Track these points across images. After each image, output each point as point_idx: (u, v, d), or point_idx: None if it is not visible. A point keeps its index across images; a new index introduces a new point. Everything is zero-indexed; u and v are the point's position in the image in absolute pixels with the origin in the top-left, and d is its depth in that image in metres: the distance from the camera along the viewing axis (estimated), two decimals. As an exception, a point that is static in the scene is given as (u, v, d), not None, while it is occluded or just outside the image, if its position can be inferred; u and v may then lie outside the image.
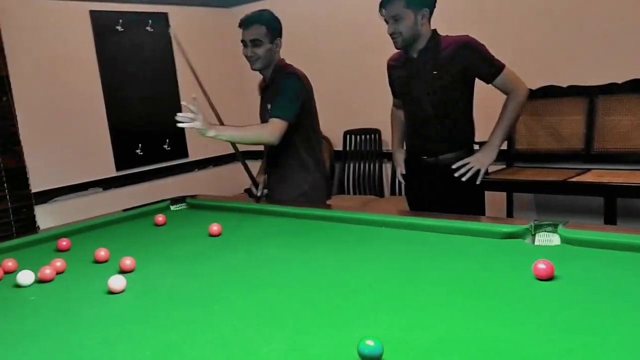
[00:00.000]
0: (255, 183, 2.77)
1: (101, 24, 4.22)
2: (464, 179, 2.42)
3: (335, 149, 4.60)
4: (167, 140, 4.70)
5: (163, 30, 4.61)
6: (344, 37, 4.46)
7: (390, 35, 2.39)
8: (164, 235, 2.15)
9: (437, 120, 2.45)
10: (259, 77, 2.68)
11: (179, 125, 2.17)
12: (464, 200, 2.45)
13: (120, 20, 4.33)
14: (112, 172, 4.36)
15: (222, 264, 1.72)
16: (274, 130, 2.36)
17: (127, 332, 1.26)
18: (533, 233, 1.63)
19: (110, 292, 1.51)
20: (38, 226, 3.88)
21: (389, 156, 4.30)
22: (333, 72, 4.52)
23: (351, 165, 4.55)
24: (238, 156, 2.82)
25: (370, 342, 1.03)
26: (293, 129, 2.45)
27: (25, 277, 1.65)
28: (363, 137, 4.44)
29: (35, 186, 3.89)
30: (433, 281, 1.40)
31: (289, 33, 4.65)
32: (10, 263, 1.80)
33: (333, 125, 4.41)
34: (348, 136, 4.54)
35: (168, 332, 1.24)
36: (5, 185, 3.71)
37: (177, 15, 4.71)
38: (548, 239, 1.62)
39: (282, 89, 2.44)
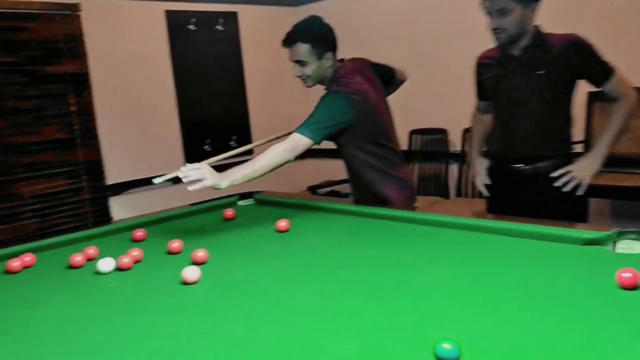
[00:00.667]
0: None
1: (175, 23, 4.37)
2: (565, 189, 2.17)
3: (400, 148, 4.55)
4: (234, 136, 4.81)
5: (232, 29, 4.72)
6: (412, 34, 4.41)
7: (493, 30, 2.17)
8: (234, 229, 2.19)
9: (536, 125, 2.21)
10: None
11: (191, 189, 1.94)
12: (559, 214, 2.12)
13: (193, 20, 4.46)
14: (181, 166, 4.49)
15: (292, 261, 1.73)
16: (290, 147, 2.12)
17: (202, 323, 1.29)
18: (615, 240, 1.56)
19: (185, 283, 1.56)
20: (112, 217, 4.06)
21: (456, 157, 4.23)
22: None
23: (416, 165, 4.49)
24: None
25: (447, 345, 1.01)
26: (348, 149, 2.31)
27: (106, 264, 1.73)
28: (429, 136, 4.38)
29: (110, 179, 4.08)
30: (508, 286, 1.36)
31: (355, 29, 4.66)
32: (91, 250, 1.89)
33: (398, 123, 4.34)
34: (414, 135, 4.49)
35: (242, 326, 1.26)
36: (83, 177, 3.90)
37: (246, 14, 4.81)
38: (630, 246, 1.53)
39: (318, 105, 2.21)
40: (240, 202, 2.62)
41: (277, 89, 5.06)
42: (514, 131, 2.27)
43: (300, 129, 2.15)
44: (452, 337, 1.04)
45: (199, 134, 4.57)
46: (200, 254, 1.75)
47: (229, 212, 2.35)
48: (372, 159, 2.35)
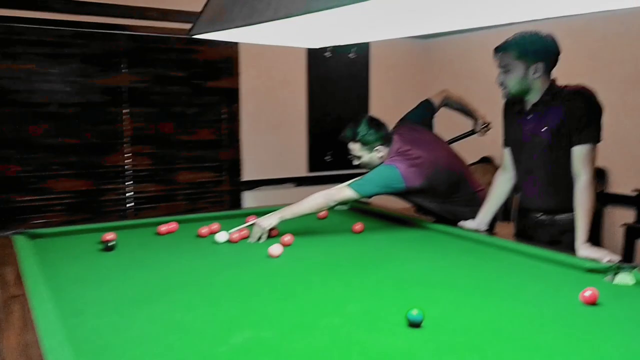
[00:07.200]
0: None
1: (314, 50, 5.07)
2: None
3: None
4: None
5: (364, 58, 5.32)
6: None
7: (499, 85, 2.36)
8: (319, 226, 2.78)
9: (547, 179, 2.34)
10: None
11: (262, 241, 2.41)
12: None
13: (329, 47, 5.13)
14: (304, 172, 5.20)
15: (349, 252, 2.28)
16: (332, 193, 2.59)
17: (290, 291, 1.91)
18: (615, 272, 1.82)
19: (271, 257, 2.18)
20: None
21: (613, 199, 4.20)
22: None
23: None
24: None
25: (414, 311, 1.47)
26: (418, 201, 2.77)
27: (221, 236, 2.41)
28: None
29: (246, 175, 4.89)
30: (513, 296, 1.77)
31: (479, 66, 4.92)
32: (215, 226, 2.59)
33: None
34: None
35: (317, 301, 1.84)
36: (224, 172, 4.76)
37: (378, 44, 5.36)
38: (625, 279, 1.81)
39: (372, 170, 2.67)
40: (337, 207, 3.17)
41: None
42: (528, 185, 2.41)
43: (351, 182, 2.62)
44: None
45: (322, 146, 5.24)
46: (287, 238, 2.37)
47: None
48: (450, 197, 2.74)
